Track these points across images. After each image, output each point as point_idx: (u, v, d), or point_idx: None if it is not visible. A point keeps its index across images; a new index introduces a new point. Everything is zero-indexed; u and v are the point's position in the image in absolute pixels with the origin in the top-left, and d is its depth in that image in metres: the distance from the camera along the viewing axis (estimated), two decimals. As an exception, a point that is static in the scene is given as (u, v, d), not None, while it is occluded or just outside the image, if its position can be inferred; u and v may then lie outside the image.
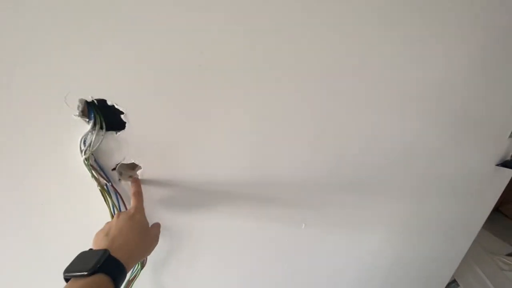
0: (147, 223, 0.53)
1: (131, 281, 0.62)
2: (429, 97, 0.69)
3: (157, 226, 0.57)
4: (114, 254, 0.42)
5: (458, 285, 1.96)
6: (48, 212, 0.56)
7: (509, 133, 1.11)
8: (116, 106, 0.48)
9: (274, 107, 0.56)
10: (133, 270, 0.62)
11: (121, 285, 0.42)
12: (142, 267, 0.63)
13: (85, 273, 0.38)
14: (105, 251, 0.42)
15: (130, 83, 0.47)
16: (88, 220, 0.54)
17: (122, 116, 0.49)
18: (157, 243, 0.54)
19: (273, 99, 0.55)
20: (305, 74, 0.54)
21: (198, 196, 0.63)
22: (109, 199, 0.53)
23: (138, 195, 0.54)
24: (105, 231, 0.47)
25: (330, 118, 0.62)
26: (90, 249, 0.44)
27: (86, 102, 0.46)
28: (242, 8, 0.45)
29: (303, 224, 0.80)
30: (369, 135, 0.69)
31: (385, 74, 0.60)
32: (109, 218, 0.54)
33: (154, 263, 0.71)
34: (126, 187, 0.56)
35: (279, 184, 0.68)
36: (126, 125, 0.50)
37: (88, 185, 0.51)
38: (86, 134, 0.47)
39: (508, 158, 1.19)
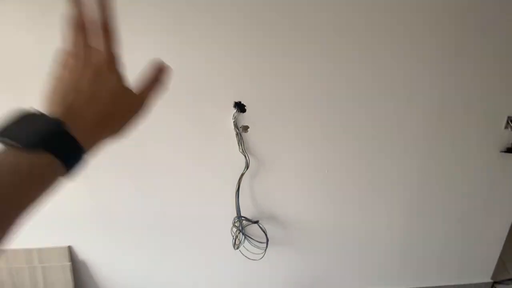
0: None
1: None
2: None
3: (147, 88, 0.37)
4: (72, 124, 0.29)
5: None
6: (216, 144, 1.52)
7: (504, 124, 1.49)
8: (242, 102, 1.39)
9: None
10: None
11: (76, 170, 0.31)
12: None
13: (20, 146, 0.26)
14: (58, 123, 0.29)
15: (250, 95, 1.37)
16: (230, 148, 1.47)
17: (245, 107, 1.40)
18: (143, 111, 0.37)
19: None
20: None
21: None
22: (239, 138, 1.45)
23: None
24: (71, 87, 0.32)
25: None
26: (40, 113, 0.30)
27: (235, 102, 1.40)
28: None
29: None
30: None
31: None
32: (237, 149, 1.47)
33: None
34: (245, 135, 1.47)
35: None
36: (246, 110, 1.41)
37: (232, 132, 1.44)
38: (235, 113, 1.41)
39: (509, 145, 1.53)
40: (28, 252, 1.64)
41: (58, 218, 1.59)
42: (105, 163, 1.53)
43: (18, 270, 1.65)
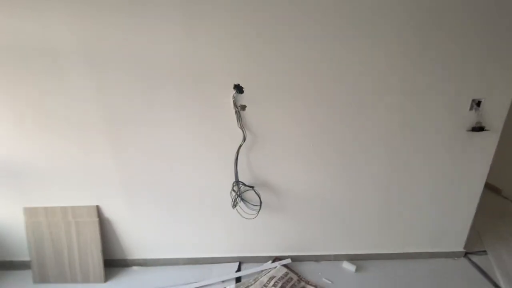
0: None
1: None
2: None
3: None
4: None
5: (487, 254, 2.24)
6: (219, 120, 1.78)
7: (468, 107, 1.70)
8: (241, 85, 1.65)
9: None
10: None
11: None
12: None
13: None
14: None
15: (249, 78, 1.63)
16: (230, 123, 1.74)
17: (243, 88, 1.67)
18: None
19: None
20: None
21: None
22: (238, 115, 1.72)
23: None
24: None
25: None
26: None
27: (234, 84, 1.66)
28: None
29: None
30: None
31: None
32: (236, 124, 1.73)
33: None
34: (242, 113, 1.73)
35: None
36: (244, 91, 1.67)
37: (232, 110, 1.71)
38: (235, 94, 1.67)
39: (474, 125, 1.74)
40: (64, 209, 1.98)
41: (89, 182, 1.92)
42: (127, 142, 1.86)
43: (55, 224, 1.99)
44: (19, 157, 1.86)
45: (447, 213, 2.05)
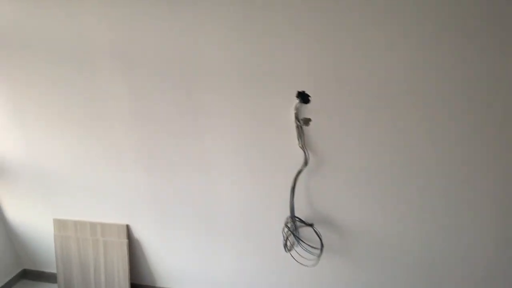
0: None
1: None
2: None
3: None
4: None
5: None
6: (274, 136, 1.41)
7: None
8: (306, 92, 1.26)
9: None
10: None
11: None
12: None
13: None
14: None
15: (316, 85, 1.23)
16: (288, 140, 1.35)
17: (309, 97, 1.27)
18: None
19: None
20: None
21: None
22: (299, 131, 1.33)
23: None
24: None
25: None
26: None
27: (298, 91, 1.27)
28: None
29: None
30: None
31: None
32: (296, 142, 1.34)
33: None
34: (306, 129, 1.33)
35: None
36: (310, 101, 1.27)
37: (292, 124, 1.32)
38: (297, 104, 1.28)
39: None
40: (93, 225, 1.77)
41: (121, 198, 1.69)
42: (164, 155, 1.59)
43: (84, 240, 1.80)
44: (51, 165, 1.70)
45: None
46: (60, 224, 1.83)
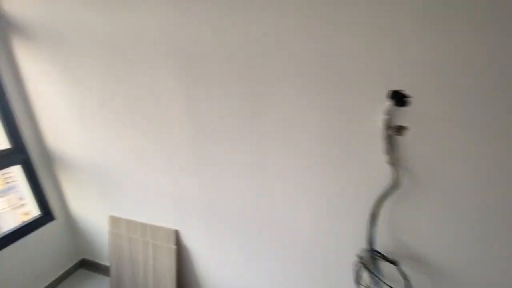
0: None
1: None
2: None
3: None
4: None
5: None
6: (354, 146, 1.12)
7: None
8: (402, 92, 0.93)
9: None
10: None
11: None
12: None
13: None
14: None
15: (416, 81, 0.91)
16: (373, 153, 1.05)
17: (407, 98, 0.94)
18: None
19: None
20: None
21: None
22: (389, 143, 1.01)
23: None
24: None
25: None
26: None
27: (391, 91, 0.96)
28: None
29: None
30: None
31: None
32: (383, 157, 1.02)
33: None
34: (399, 140, 1.01)
35: None
36: (408, 103, 0.95)
37: (378, 133, 1.02)
38: (390, 107, 0.97)
39: None
40: (144, 226, 1.71)
41: (173, 203, 1.59)
42: (220, 162, 1.39)
43: (135, 241, 1.76)
44: (110, 163, 1.68)
45: None
46: (114, 221, 1.82)
